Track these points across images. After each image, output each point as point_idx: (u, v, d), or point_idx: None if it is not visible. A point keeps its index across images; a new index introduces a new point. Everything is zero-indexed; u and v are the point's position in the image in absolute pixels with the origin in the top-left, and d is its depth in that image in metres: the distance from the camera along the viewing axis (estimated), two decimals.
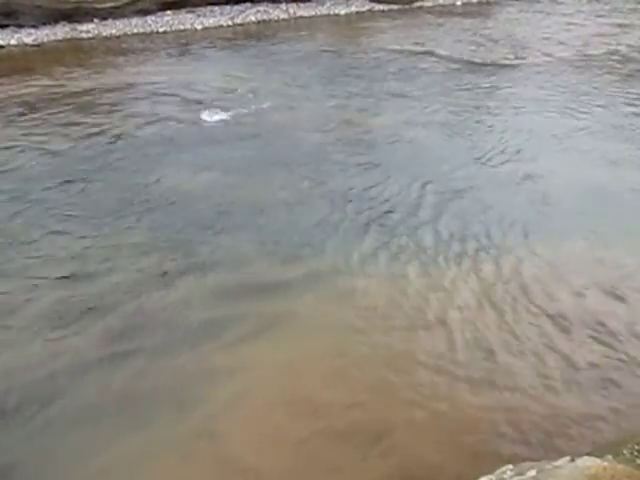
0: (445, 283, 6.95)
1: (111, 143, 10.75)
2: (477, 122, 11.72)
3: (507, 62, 15.77)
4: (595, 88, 13.52)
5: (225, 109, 12.26)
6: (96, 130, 11.31)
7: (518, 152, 10.37)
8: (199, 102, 12.77)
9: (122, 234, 7.93)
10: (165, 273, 7.16)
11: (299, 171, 9.63)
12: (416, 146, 10.60)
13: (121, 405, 5.39)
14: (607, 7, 22.56)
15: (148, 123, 11.63)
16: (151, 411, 5.32)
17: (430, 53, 16.52)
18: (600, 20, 20.66)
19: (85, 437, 5.10)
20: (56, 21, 18.87)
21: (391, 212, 8.47)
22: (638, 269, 7.25)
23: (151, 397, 5.48)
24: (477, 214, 8.40)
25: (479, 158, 10.15)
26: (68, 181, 9.34)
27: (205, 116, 12.03)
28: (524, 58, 16.10)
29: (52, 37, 18.13)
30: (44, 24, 18.54)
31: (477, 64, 15.55)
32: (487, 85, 13.94)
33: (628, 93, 13.16)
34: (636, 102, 12.59)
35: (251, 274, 7.19)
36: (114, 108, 12.55)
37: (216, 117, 12.00)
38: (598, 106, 12.40)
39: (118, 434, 5.09)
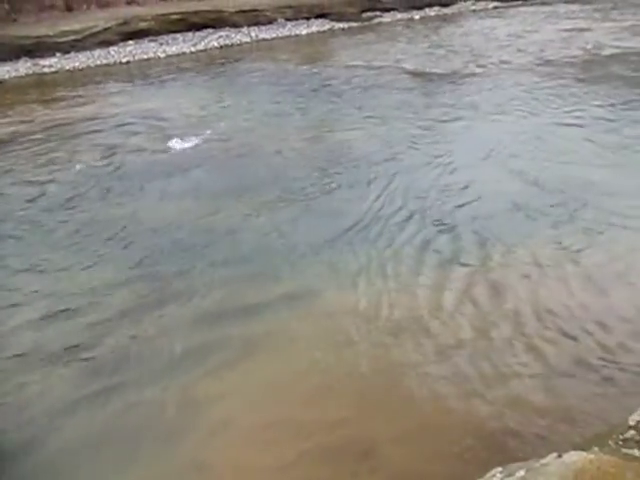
0: (433, 295, 6.97)
1: (77, 177, 10.62)
2: (442, 131, 11.92)
3: (468, 71, 16.11)
4: (555, 92, 13.86)
5: (192, 136, 12.21)
6: (62, 164, 11.21)
7: (487, 157, 10.55)
8: (166, 130, 12.74)
9: (94, 267, 7.82)
10: (142, 304, 7.06)
11: (269, 192, 9.63)
12: (383, 161, 10.68)
13: (105, 442, 5.27)
14: (561, 11, 23.25)
15: (115, 154, 11.55)
16: (136, 446, 5.20)
17: (392, 67, 16.81)
18: (555, 26, 21.26)
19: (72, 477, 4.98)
20: (17, 57, 18.80)
21: (365, 228, 8.50)
22: None
23: (136, 431, 5.36)
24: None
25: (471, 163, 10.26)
26: (35, 217, 9.22)
27: (173, 144, 11.91)
28: (484, 66, 16.48)
29: (14, 73, 18.03)
30: (4, 60, 18.45)
31: (438, 74, 15.85)
32: (449, 94, 14.19)
33: (586, 95, 13.51)
34: (594, 103, 12.92)
35: (229, 298, 7.13)
36: (80, 141, 12.46)
37: (184, 144, 11.88)
38: (560, 109, 12.70)
39: (105, 472, 4.97)
